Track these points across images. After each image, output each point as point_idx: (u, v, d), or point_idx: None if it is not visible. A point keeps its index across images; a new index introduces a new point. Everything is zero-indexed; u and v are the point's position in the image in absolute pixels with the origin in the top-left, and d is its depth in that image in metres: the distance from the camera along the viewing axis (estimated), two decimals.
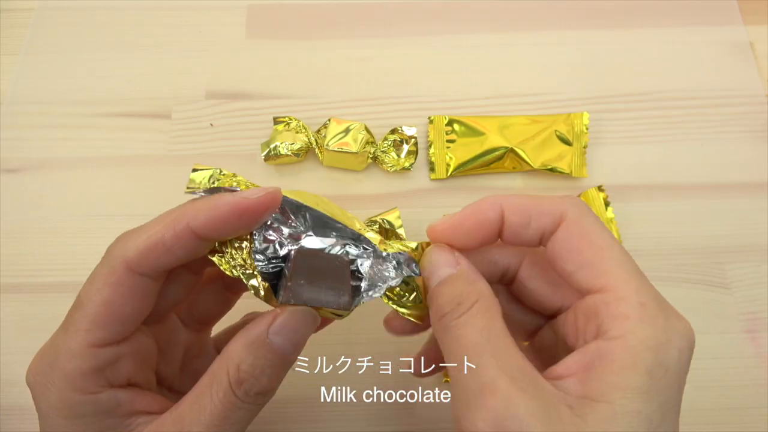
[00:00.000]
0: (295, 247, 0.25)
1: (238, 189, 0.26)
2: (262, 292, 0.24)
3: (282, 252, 0.25)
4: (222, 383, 0.23)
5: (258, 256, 0.25)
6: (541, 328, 0.27)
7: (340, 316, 0.26)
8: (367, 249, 0.26)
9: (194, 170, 0.26)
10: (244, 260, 0.25)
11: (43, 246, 0.39)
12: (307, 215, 0.26)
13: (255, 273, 0.24)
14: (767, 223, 0.40)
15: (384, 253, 0.26)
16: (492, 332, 0.22)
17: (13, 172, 0.41)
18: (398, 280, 0.26)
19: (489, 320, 0.23)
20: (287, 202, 0.25)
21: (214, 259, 0.25)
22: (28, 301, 0.37)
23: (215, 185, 0.26)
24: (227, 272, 0.24)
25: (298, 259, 0.25)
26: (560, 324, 0.25)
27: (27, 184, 0.41)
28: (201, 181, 0.26)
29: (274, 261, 0.25)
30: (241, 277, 0.24)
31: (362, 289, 0.26)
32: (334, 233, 0.26)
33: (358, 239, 0.26)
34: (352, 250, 0.26)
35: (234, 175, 0.26)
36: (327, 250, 0.26)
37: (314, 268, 0.25)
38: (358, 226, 0.26)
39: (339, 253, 0.26)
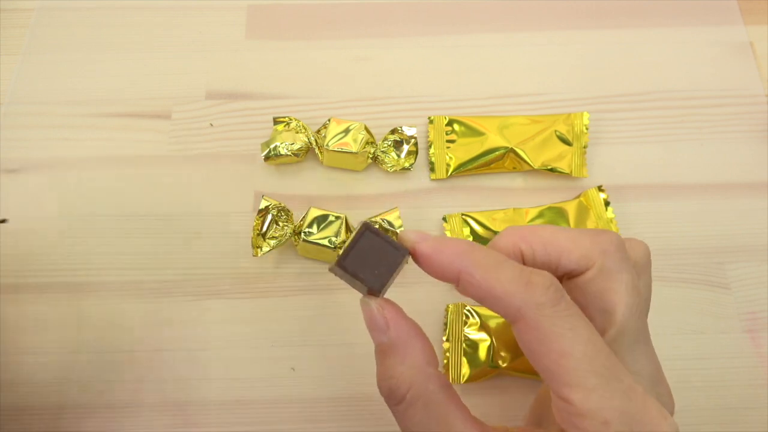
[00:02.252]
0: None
1: None
2: None
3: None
4: None
5: None
6: None
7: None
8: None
9: None
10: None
11: (44, 246, 0.39)
12: None
13: None
14: (767, 223, 0.40)
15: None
16: (432, 417, 0.22)
17: (13, 172, 0.41)
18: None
19: (425, 407, 0.22)
20: None
21: None
22: (28, 301, 0.37)
23: None
24: None
25: (361, 232, 0.25)
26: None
27: (27, 184, 0.41)
28: None
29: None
30: None
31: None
32: None
33: None
34: None
35: None
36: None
37: (373, 247, 0.25)
38: None
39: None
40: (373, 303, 0.24)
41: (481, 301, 0.23)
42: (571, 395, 0.21)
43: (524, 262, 0.24)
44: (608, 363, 0.21)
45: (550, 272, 0.23)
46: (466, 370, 0.35)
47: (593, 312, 0.23)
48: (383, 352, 0.24)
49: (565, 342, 0.21)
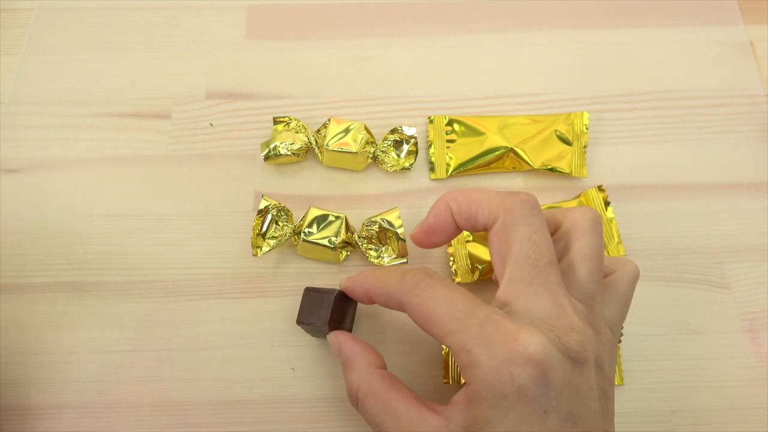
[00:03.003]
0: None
1: None
2: None
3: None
4: None
5: None
6: None
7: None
8: None
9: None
10: None
11: (43, 246, 0.39)
12: None
13: None
14: (767, 223, 0.40)
15: None
16: (380, 409, 0.28)
17: (13, 172, 0.41)
18: None
19: (375, 404, 0.28)
20: None
21: None
22: (28, 301, 0.37)
23: None
24: None
25: (305, 294, 0.34)
26: None
27: (27, 184, 0.41)
28: None
29: None
30: None
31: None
32: None
33: None
34: None
35: None
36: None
37: (314, 299, 0.34)
38: None
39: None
40: (330, 335, 0.33)
41: (384, 305, 0.30)
42: (446, 341, 0.26)
43: (453, 217, 0.30)
44: (466, 308, 0.26)
45: (471, 226, 0.29)
46: None
47: (496, 259, 0.28)
48: (343, 369, 0.31)
49: (431, 305, 0.27)
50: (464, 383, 0.26)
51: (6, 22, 0.47)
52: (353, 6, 0.48)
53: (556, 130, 0.42)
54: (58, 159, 0.42)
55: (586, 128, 0.42)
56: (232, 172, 0.41)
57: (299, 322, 0.34)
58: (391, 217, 0.38)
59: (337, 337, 0.32)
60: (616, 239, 0.39)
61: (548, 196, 0.41)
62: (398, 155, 0.41)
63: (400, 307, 0.29)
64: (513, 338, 0.24)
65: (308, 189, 0.41)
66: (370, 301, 0.31)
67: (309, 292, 0.34)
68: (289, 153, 0.40)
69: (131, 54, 0.46)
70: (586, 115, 0.42)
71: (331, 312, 0.32)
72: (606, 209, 0.40)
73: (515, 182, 0.42)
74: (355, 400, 0.29)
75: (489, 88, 0.45)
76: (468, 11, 0.48)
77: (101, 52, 0.46)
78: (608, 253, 0.38)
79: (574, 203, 0.40)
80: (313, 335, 0.36)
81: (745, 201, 0.41)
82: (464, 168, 0.41)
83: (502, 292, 0.27)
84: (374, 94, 0.44)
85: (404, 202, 0.41)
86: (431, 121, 0.43)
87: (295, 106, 0.44)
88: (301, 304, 0.34)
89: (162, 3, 0.48)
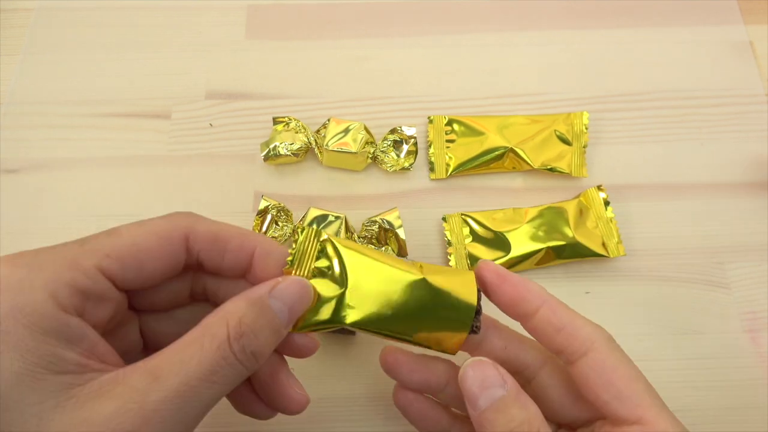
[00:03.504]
0: None
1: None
2: None
3: None
4: (218, 335, 0.23)
5: None
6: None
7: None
8: None
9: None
10: None
11: (43, 246, 0.39)
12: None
13: None
14: (767, 223, 0.40)
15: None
16: None
17: (13, 172, 0.41)
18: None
19: None
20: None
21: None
22: None
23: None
24: None
25: None
26: None
27: (27, 184, 0.41)
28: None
29: None
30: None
31: None
32: None
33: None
34: None
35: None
36: None
37: None
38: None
39: None
40: (486, 362, 0.25)
41: (556, 331, 0.26)
42: (646, 414, 0.24)
43: (534, 318, 0.27)
44: (660, 398, 0.25)
45: (552, 341, 0.27)
46: None
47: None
48: (503, 405, 0.24)
49: (634, 370, 0.25)
50: None
51: (6, 22, 0.47)
52: (353, 6, 0.48)
53: (555, 130, 0.42)
54: (58, 159, 0.42)
55: (586, 128, 0.42)
56: (232, 172, 0.41)
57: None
58: (391, 217, 0.38)
59: (498, 367, 0.26)
60: (616, 239, 0.39)
61: (548, 195, 0.41)
62: (398, 155, 0.41)
63: (582, 349, 0.26)
64: None
65: (308, 189, 0.41)
66: (527, 314, 0.27)
67: None
68: (288, 153, 0.40)
69: (131, 54, 0.46)
70: (585, 115, 0.42)
71: None
72: (606, 209, 0.40)
73: (515, 182, 0.42)
74: None
75: (489, 88, 0.45)
76: (468, 11, 0.48)
77: (101, 52, 0.46)
78: (608, 253, 0.38)
79: (574, 203, 0.40)
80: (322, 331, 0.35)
81: (745, 201, 0.41)
82: (464, 168, 0.41)
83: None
84: (374, 94, 0.44)
85: (404, 202, 0.41)
86: (431, 121, 0.43)
87: (294, 106, 0.44)
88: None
89: (162, 3, 0.48)
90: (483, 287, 0.28)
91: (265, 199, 0.38)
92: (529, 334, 0.28)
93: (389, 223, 0.37)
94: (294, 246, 0.26)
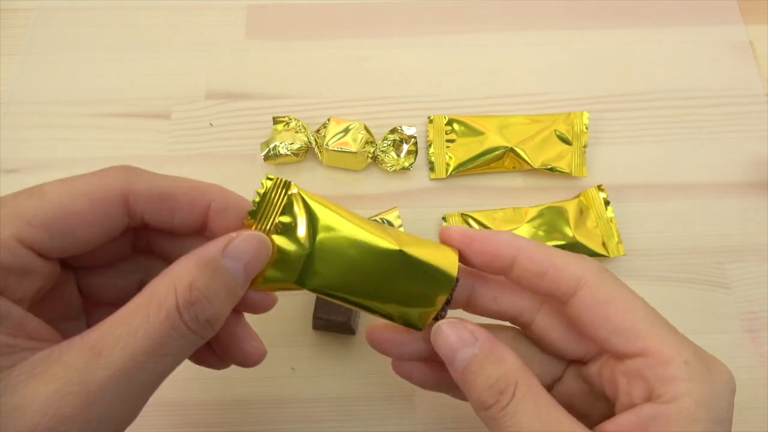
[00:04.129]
0: None
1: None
2: None
3: None
4: (166, 303, 0.20)
5: None
6: (562, 374, 0.27)
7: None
8: None
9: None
10: None
11: None
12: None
13: None
14: (767, 223, 0.40)
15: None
16: (542, 412, 0.22)
17: (13, 172, 0.41)
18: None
19: (535, 400, 0.22)
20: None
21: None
22: None
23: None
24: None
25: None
26: (592, 374, 0.25)
27: (27, 184, 0.41)
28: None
29: None
30: None
31: None
32: None
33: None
34: None
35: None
36: None
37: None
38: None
39: None
40: (455, 322, 0.24)
41: (539, 277, 0.24)
42: (649, 345, 0.22)
43: (515, 266, 0.25)
44: (666, 321, 0.23)
45: (540, 283, 0.24)
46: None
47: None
48: (477, 364, 0.23)
49: (630, 299, 0.23)
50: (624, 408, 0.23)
51: (6, 22, 0.47)
52: (353, 6, 0.48)
53: (555, 130, 0.42)
54: (58, 159, 0.42)
55: (586, 128, 0.42)
56: (232, 172, 0.41)
57: (316, 317, 0.34)
58: (391, 216, 0.38)
59: (467, 325, 0.24)
60: (616, 239, 0.39)
61: (548, 195, 0.41)
62: (398, 155, 0.41)
63: (571, 287, 0.24)
64: (718, 364, 0.23)
65: (308, 189, 0.41)
66: (503, 266, 0.25)
67: None
68: (289, 153, 0.40)
69: (131, 54, 0.46)
70: (585, 115, 0.42)
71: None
72: (606, 209, 0.40)
73: (515, 182, 0.42)
74: (508, 398, 0.23)
75: (489, 88, 0.45)
76: (468, 11, 0.48)
77: (101, 52, 0.46)
78: (608, 253, 0.38)
79: (574, 203, 0.40)
80: (323, 330, 0.36)
81: (745, 201, 0.41)
82: (464, 168, 0.41)
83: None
84: (374, 94, 0.44)
85: (404, 201, 0.41)
86: (431, 121, 0.43)
87: (294, 106, 0.44)
88: (316, 301, 0.34)
89: (162, 3, 0.48)
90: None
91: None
92: (517, 286, 0.26)
93: (389, 222, 0.37)
94: (258, 196, 0.24)
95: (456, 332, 0.24)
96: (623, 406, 0.23)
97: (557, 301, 0.25)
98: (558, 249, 0.25)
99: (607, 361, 0.24)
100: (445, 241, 0.26)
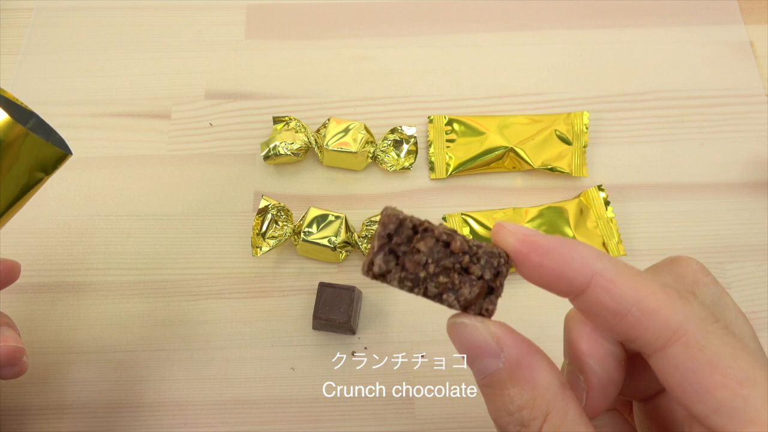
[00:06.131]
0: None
1: None
2: None
3: None
4: None
5: None
6: (658, 394, 0.22)
7: None
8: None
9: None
10: None
11: (43, 246, 0.39)
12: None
13: None
14: (767, 223, 0.40)
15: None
16: None
17: None
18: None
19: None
20: None
21: None
22: (29, 301, 0.37)
23: None
24: None
25: (319, 289, 0.35)
26: (657, 414, 0.21)
27: None
28: None
29: None
30: None
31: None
32: None
33: None
34: None
35: None
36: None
37: (329, 295, 0.35)
38: None
39: None
40: (477, 321, 0.19)
41: (616, 317, 0.18)
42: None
43: (587, 293, 0.19)
44: None
45: (614, 324, 0.18)
46: None
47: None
48: (499, 381, 0.19)
49: (741, 365, 0.17)
50: None
51: (6, 22, 0.47)
52: (353, 6, 0.48)
53: (556, 130, 0.42)
54: None
55: (586, 128, 0.42)
56: (232, 172, 0.41)
57: (316, 317, 0.35)
58: None
59: (493, 326, 0.19)
60: (616, 239, 0.39)
61: (548, 195, 0.41)
62: (398, 155, 0.41)
63: (662, 339, 0.18)
64: None
65: (308, 189, 0.41)
66: (573, 288, 0.19)
67: (324, 287, 0.35)
68: (289, 153, 0.40)
69: (131, 54, 0.46)
70: (586, 115, 0.42)
71: (351, 308, 0.34)
72: (606, 209, 0.40)
73: (515, 182, 0.42)
74: (522, 430, 0.18)
75: (489, 88, 0.45)
76: (468, 11, 0.48)
77: (101, 52, 0.46)
78: (608, 253, 0.38)
79: (574, 203, 0.40)
80: (323, 330, 0.36)
81: (745, 201, 0.41)
82: (464, 168, 0.41)
83: None
84: (374, 94, 0.44)
85: (404, 201, 0.41)
86: (431, 121, 0.43)
87: (294, 106, 0.44)
88: (316, 300, 0.35)
89: (162, 3, 0.48)
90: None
91: (265, 199, 0.38)
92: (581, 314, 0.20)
93: None
94: None
95: (476, 334, 0.19)
96: None
97: (636, 348, 0.19)
98: (652, 278, 0.18)
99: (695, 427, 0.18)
100: (498, 241, 0.20)
